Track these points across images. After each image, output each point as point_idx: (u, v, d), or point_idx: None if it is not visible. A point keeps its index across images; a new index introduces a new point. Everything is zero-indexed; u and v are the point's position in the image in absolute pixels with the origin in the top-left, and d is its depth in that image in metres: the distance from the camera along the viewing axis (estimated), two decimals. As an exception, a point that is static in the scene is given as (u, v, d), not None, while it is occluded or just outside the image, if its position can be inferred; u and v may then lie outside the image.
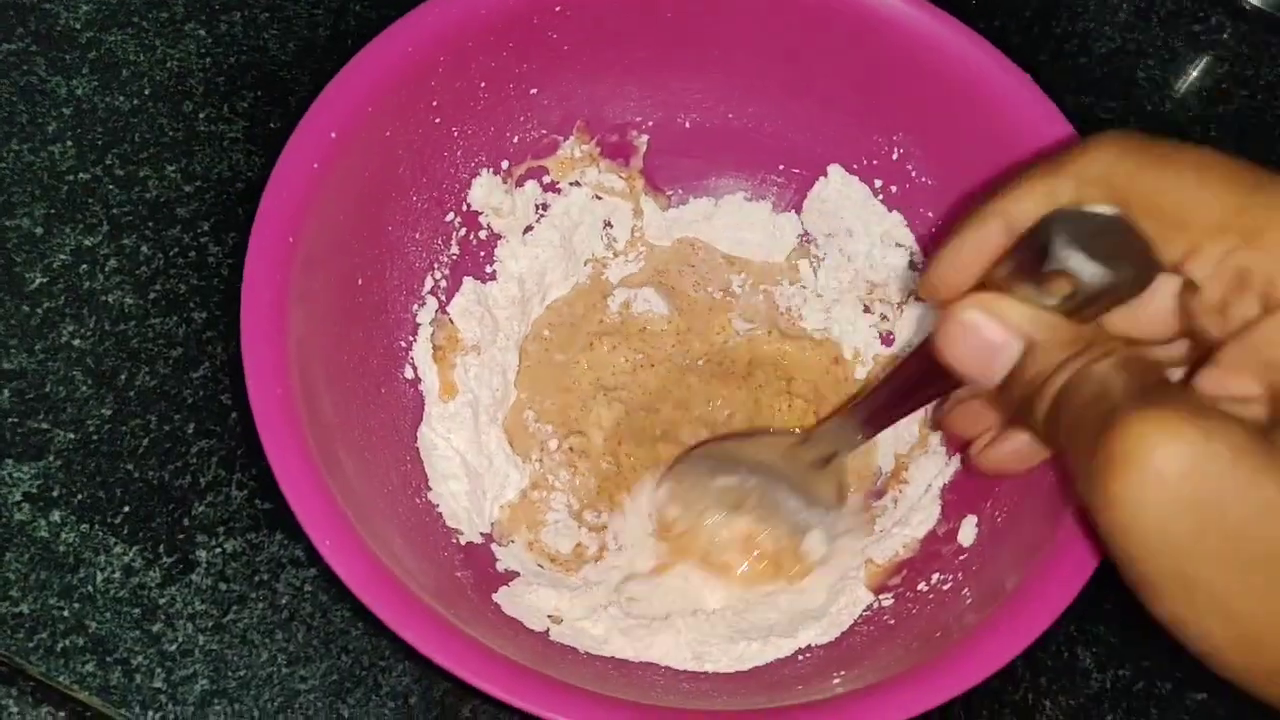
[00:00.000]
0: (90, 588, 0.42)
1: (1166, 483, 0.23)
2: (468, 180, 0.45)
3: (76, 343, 0.46)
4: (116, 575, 0.42)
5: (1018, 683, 0.42)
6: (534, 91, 0.45)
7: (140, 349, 0.46)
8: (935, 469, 0.45)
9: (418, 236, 0.44)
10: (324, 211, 0.38)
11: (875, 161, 0.47)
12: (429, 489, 0.42)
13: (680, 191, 0.50)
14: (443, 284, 0.45)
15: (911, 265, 0.48)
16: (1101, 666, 0.43)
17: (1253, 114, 0.55)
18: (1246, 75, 0.57)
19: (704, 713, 0.36)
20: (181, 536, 0.43)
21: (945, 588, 0.40)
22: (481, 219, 0.46)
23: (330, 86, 0.39)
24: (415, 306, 0.44)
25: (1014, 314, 0.28)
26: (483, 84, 0.43)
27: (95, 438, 0.44)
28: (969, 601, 0.38)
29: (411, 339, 0.44)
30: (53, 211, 0.48)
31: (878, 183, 0.47)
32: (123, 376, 0.45)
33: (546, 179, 0.47)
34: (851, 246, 0.49)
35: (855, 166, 0.48)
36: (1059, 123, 0.41)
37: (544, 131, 0.46)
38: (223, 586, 0.42)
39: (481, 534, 0.43)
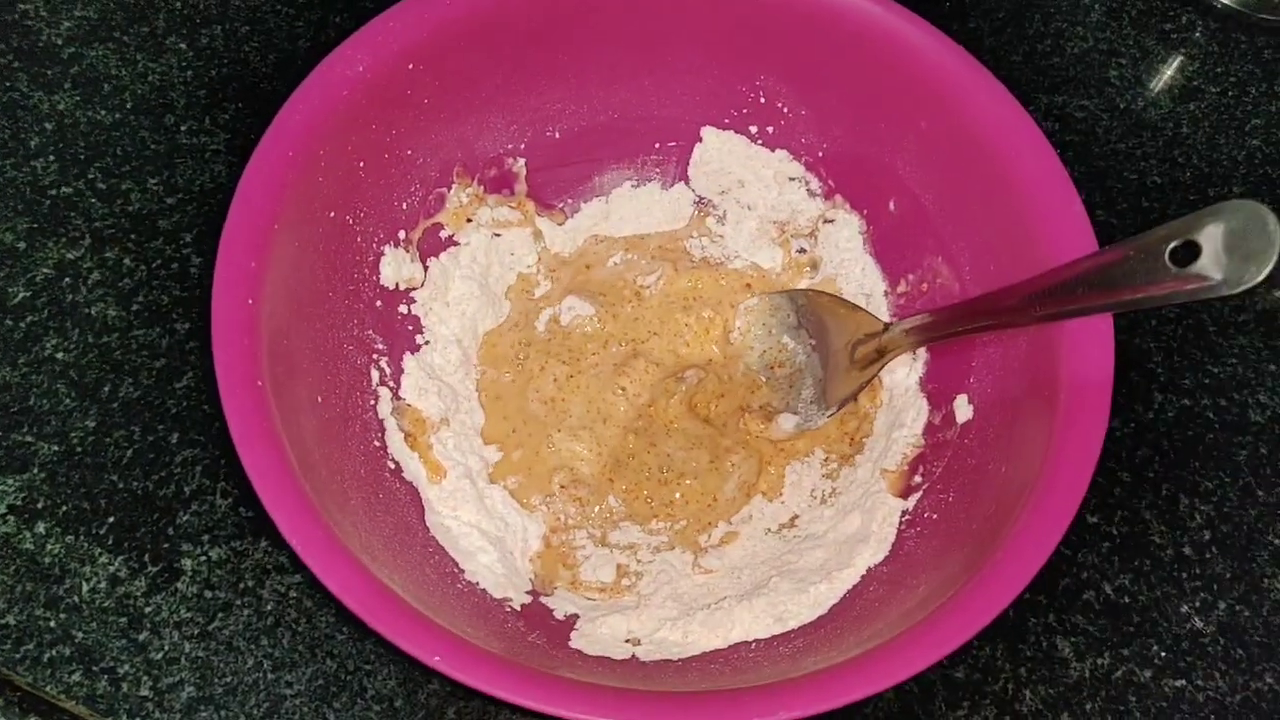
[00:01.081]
0: (76, 598, 0.42)
1: None
2: (375, 263, 0.45)
3: (60, 355, 0.46)
4: (102, 585, 0.42)
5: (997, 673, 0.42)
6: (409, 153, 0.45)
7: (123, 361, 0.46)
8: (905, 368, 0.46)
9: (350, 334, 0.43)
10: (273, 349, 0.38)
11: (745, 110, 0.48)
12: (462, 572, 0.42)
13: (570, 201, 0.51)
14: (388, 371, 0.45)
15: (810, 193, 0.49)
16: (1080, 656, 0.43)
17: (1224, 110, 0.56)
18: (1217, 73, 0.57)
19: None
20: (166, 545, 0.43)
21: (971, 462, 0.41)
22: (399, 295, 0.46)
23: (230, 221, 0.38)
24: (372, 403, 0.44)
25: None
26: (361, 164, 0.43)
27: (79, 449, 0.44)
28: (1004, 469, 0.39)
29: (382, 436, 0.43)
30: (35, 226, 0.49)
31: (753, 129, 0.49)
32: (106, 388, 0.46)
33: (444, 234, 0.48)
34: (747, 196, 0.50)
35: (726, 121, 0.49)
36: (915, 22, 0.43)
37: (428, 188, 0.47)
38: (208, 594, 0.42)
39: (527, 593, 0.43)
